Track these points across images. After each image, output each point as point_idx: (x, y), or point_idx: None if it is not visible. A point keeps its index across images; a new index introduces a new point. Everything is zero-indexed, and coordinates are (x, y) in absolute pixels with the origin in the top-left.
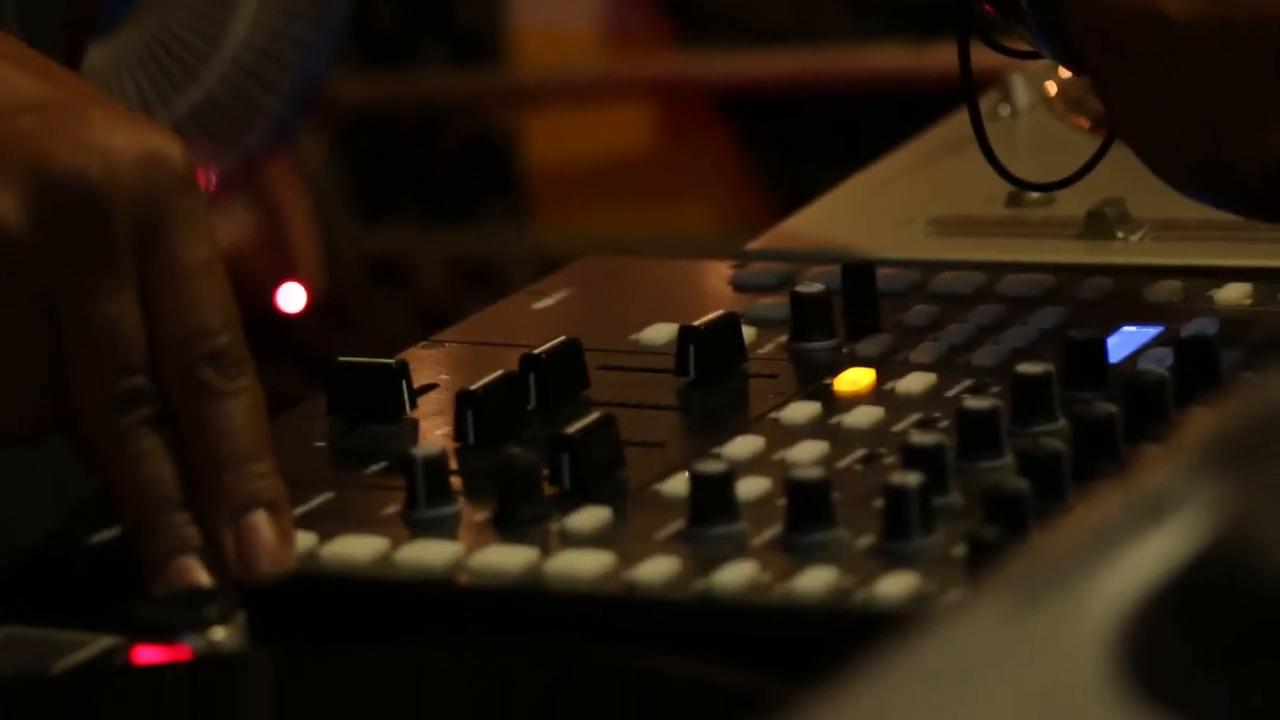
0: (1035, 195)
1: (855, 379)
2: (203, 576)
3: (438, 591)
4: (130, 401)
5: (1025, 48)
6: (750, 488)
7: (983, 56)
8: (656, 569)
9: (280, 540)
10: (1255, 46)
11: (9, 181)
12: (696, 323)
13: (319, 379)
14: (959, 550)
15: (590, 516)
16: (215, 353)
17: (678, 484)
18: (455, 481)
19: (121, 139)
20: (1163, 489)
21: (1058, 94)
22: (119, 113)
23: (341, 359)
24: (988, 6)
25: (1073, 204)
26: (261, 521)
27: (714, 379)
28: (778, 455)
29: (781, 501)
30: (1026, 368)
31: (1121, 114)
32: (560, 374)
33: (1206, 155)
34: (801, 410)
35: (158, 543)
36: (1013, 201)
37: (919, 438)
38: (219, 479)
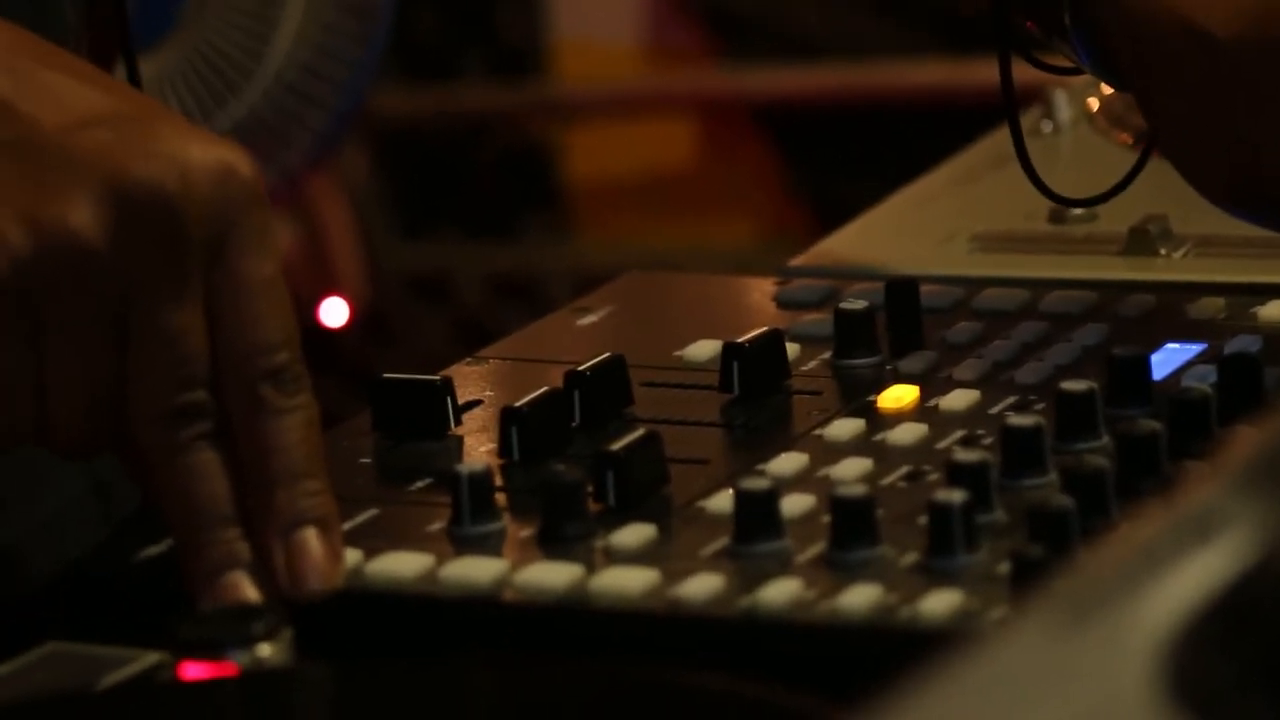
0: (1078, 211)
1: (899, 396)
2: (251, 592)
3: (482, 608)
4: (189, 415)
5: (1066, 64)
6: (794, 505)
7: (1024, 72)
8: (701, 586)
9: (329, 557)
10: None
11: (86, 194)
12: (740, 339)
13: (360, 393)
14: (1003, 568)
15: (635, 533)
16: (275, 369)
17: (722, 501)
18: (500, 498)
19: (195, 152)
20: (1208, 508)
21: (1100, 110)
22: (186, 125)
23: (386, 375)
24: (1030, 23)
25: (1115, 220)
26: (311, 538)
27: (758, 396)
28: (822, 472)
29: (826, 519)
30: (1070, 385)
31: (1163, 129)
32: (604, 391)
33: (1247, 172)
34: (845, 427)
35: (206, 558)
36: (1055, 218)
37: (963, 455)
38: (271, 494)
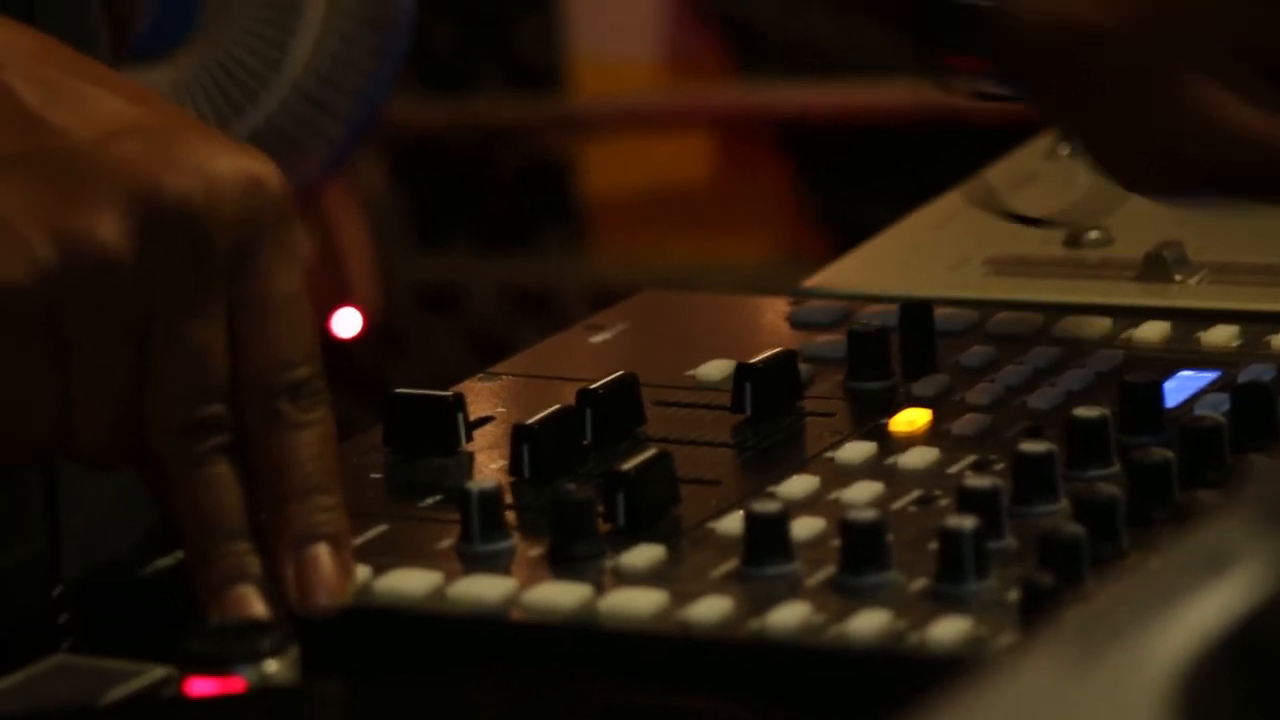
0: (1093, 236)
1: (911, 419)
2: (259, 607)
3: (490, 627)
4: (206, 428)
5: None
6: (805, 528)
7: None
8: (710, 608)
9: (339, 574)
10: (1172, 42)
11: (114, 206)
12: (753, 360)
13: (371, 405)
14: (1013, 595)
15: (644, 554)
16: (294, 384)
17: (732, 523)
18: (510, 516)
19: (223, 164)
20: (1221, 541)
21: None
22: (214, 135)
23: (398, 390)
24: (950, 60)
25: (1131, 246)
26: (323, 554)
27: (770, 417)
28: (833, 495)
29: (836, 542)
30: (1083, 412)
31: (1078, 133)
32: (616, 409)
33: (1167, 157)
34: (857, 450)
35: (216, 570)
36: (1070, 242)
37: (974, 481)
38: (284, 509)
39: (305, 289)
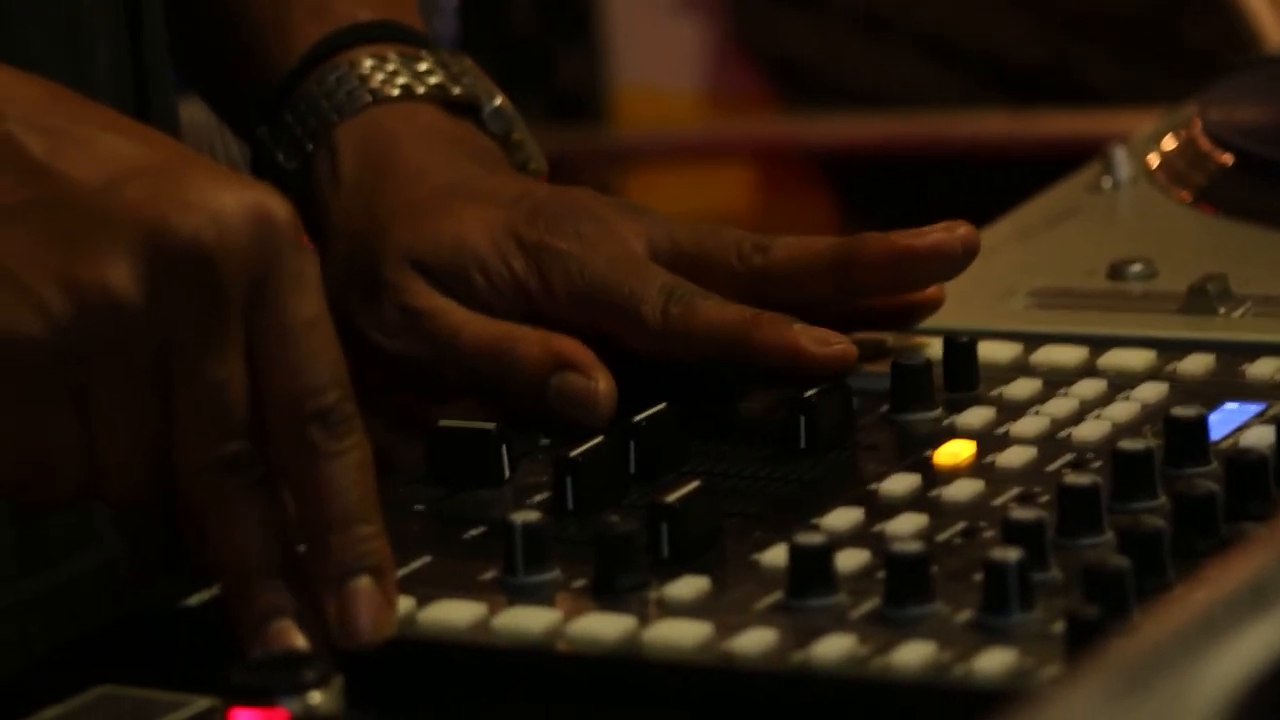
0: (1137, 269)
1: (956, 451)
2: (299, 640)
3: (534, 659)
4: (233, 465)
5: None
6: (849, 560)
7: (1080, 125)
8: (754, 640)
9: (382, 606)
10: None
11: (123, 251)
12: (807, 393)
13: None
14: (1058, 627)
15: (688, 586)
16: (323, 411)
17: (776, 555)
18: (554, 548)
19: (229, 199)
20: (1266, 576)
21: (1160, 166)
22: (220, 171)
23: (442, 423)
24: None
25: (1174, 279)
26: (365, 587)
27: (816, 449)
28: (877, 527)
29: (880, 574)
30: (1128, 444)
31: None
32: (660, 441)
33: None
34: (901, 482)
35: (254, 607)
36: (1114, 275)
37: (1019, 513)
38: (325, 541)
39: (324, 314)
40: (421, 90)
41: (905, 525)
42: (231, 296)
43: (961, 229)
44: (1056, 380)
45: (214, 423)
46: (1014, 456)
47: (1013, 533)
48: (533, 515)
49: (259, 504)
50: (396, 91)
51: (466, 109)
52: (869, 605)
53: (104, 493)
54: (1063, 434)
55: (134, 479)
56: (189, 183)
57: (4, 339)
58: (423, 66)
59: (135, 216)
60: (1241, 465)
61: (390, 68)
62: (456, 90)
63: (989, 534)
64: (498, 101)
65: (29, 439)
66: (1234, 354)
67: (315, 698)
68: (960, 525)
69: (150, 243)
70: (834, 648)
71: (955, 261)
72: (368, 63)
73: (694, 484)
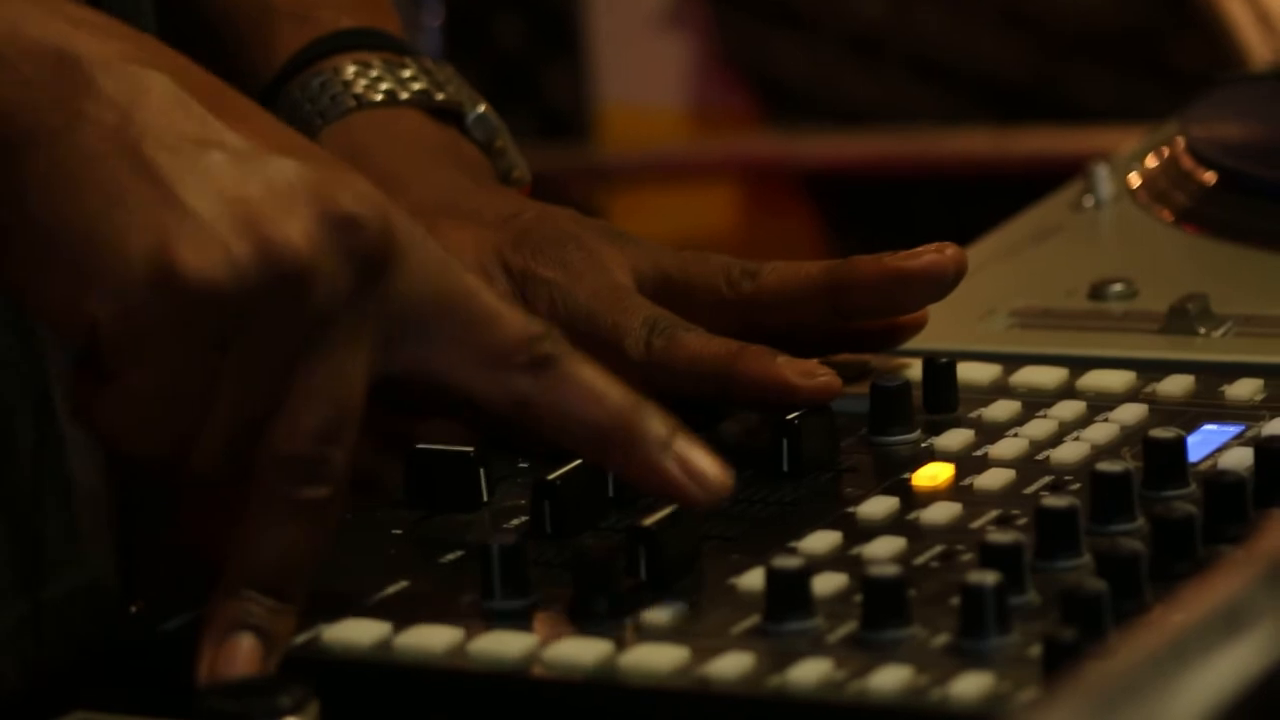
0: (1118, 288)
1: (934, 474)
2: (255, 663)
3: (511, 683)
4: (305, 469)
5: None
6: (826, 583)
7: (1066, 142)
8: (731, 664)
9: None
10: None
11: (307, 216)
12: (790, 416)
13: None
14: (1035, 651)
15: (666, 610)
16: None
17: (754, 579)
18: (532, 572)
19: (370, 187)
20: (1239, 601)
21: (1142, 185)
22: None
23: (420, 445)
24: None
25: (1155, 299)
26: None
27: (796, 473)
28: (854, 551)
29: (858, 598)
30: (1106, 466)
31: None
32: None
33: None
34: (879, 505)
35: (232, 612)
36: (1095, 295)
37: (997, 536)
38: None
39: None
40: (405, 96)
41: (883, 549)
42: (377, 291)
43: (950, 250)
44: (1036, 402)
45: (315, 415)
46: (992, 479)
47: (990, 556)
48: (510, 539)
49: (303, 524)
50: (380, 96)
51: (450, 115)
52: (846, 629)
53: (190, 457)
54: (1041, 456)
55: (221, 451)
56: (351, 174)
57: (192, 280)
58: (406, 73)
59: (313, 187)
60: (1220, 488)
61: (374, 73)
62: (440, 96)
63: (966, 557)
64: (481, 108)
65: (165, 380)
66: (1214, 375)
67: None
68: (938, 548)
69: (326, 215)
70: (811, 671)
71: (946, 283)
72: (351, 68)
73: (672, 507)
